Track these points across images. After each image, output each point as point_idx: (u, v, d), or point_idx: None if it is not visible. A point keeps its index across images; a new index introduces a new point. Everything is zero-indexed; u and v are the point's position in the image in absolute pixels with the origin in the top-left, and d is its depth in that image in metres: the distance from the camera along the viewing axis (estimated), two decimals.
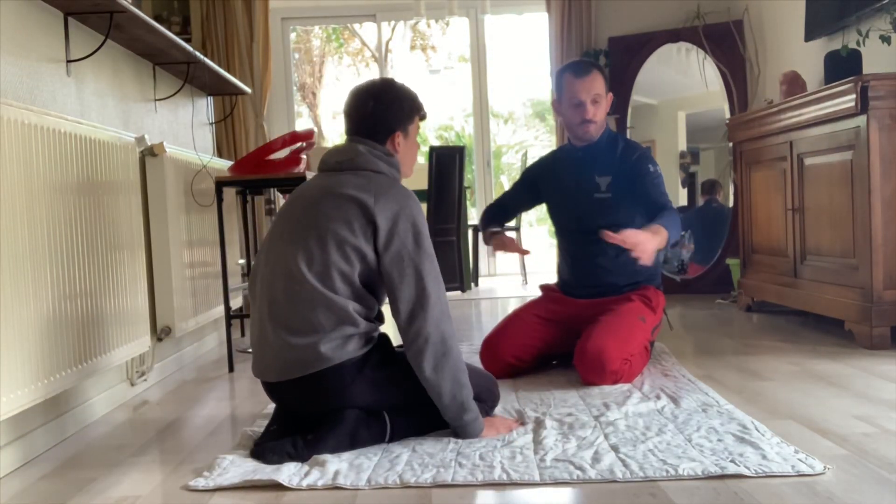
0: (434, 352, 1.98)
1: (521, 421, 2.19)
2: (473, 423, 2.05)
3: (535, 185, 3.13)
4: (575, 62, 3.05)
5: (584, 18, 5.46)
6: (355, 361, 2.01)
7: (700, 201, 5.40)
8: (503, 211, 3.22)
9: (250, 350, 3.12)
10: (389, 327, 2.16)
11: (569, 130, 2.98)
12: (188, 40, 4.83)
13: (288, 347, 1.99)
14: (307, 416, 2.07)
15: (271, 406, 2.28)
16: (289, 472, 1.84)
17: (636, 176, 2.84)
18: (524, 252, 3.05)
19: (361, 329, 2.02)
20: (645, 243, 2.46)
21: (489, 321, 4.26)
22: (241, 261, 3.98)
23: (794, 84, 3.84)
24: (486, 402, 2.23)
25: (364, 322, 2.03)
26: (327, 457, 1.92)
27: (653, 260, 2.51)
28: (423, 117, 2.25)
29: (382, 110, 2.16)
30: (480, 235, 3.41)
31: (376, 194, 2.03)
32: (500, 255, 6.63)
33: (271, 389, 2.11)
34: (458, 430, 2.06)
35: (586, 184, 2.91)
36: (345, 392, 2.01)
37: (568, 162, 3.01)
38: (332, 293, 1.99)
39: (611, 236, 2.44)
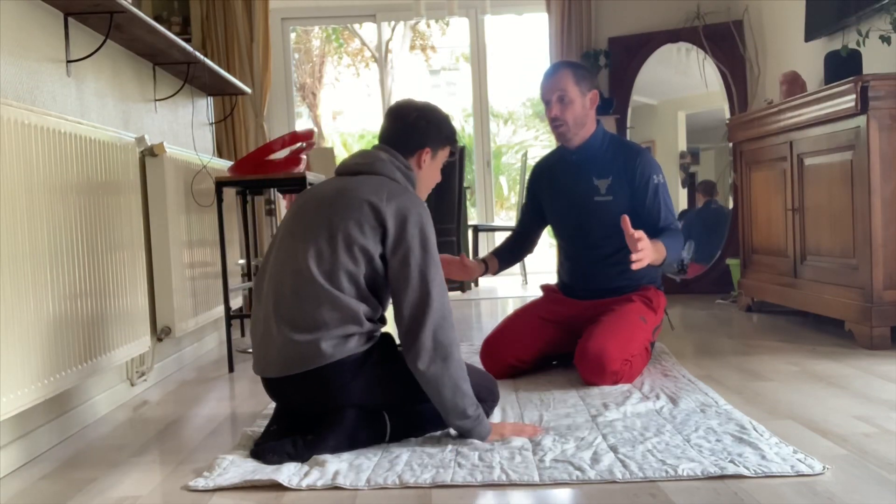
0: (430, 357, 1.95)
1: (536, 427, 2.14)
2: (478, 427, 2.02)
3: (537, 197, 3.09)
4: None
5: (584, 18, 5.46)
6: (356, 358, 2.01)
7: (699, 202, 5.40)
8: (516, 237, 3.14)
9: (250, 350, 3.13)
10: (391, 328, 2.16)
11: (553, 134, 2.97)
12: (188, 40, 4.84)
13: (291, 343, 1.99)
14: (307, 416, 2.07)
15: (271, 406, 2.28)
16: (288, 473, 1.84)
17: (641, 186, 2.81)
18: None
19: (364, 329, 2.03)
20: (647, 252, 2.49)
21: (489, 321, 4.26)
22: (241, 261, 3.97)
23: (794, 84, 3.84)
24: (486, 402, 2.23)
25: (367, 322, 2.04)
26: (327, 457, 1.92)
27: (640, 269, 2.55)
28: (452, 152, 2.28)
29: (424, 123, 2.19)
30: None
31: (388, 198, 2.04)
32: None
33: (272, 387, 2.11)
34: (464, 434, 2.04)
35: (585, 188, 2.88)
36: (345, 389, 2.01)
37: (564, 166, 2.97)
38: (339, 291, 2.00)
39: (628, 225, 2.47)
